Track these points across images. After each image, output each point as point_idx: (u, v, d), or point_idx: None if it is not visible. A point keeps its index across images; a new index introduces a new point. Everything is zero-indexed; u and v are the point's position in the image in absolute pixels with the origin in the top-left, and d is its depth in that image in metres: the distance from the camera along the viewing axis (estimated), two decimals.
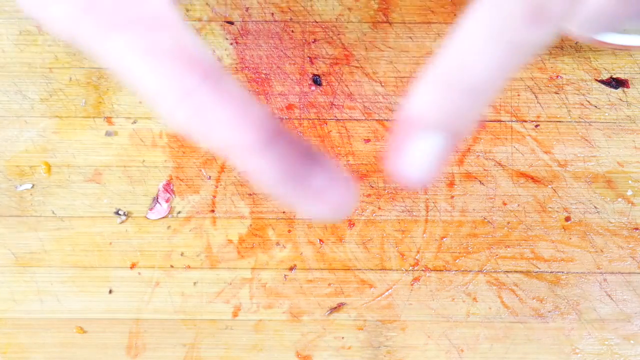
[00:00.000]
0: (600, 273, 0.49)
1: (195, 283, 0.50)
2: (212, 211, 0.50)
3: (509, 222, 0.49)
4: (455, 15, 0.50)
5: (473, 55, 0.21)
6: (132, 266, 0.50)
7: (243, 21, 0.50)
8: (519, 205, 0.49)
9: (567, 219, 0.49)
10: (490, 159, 0.50)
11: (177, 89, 0.22)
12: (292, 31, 0.50)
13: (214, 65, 0.22)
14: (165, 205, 0.50)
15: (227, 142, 0.22)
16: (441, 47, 0.21)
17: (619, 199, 0.49)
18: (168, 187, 0.50)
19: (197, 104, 0.22)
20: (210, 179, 0.50)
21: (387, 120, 0.50)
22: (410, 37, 0.50)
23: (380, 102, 0.50)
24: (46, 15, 0.22)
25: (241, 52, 0.50)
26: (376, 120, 0.50)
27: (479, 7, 0.21)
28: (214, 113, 0.22)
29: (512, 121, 0.49)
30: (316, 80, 0.50)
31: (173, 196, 0.50)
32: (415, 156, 0.21)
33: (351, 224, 0.50)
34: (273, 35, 0.50)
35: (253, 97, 0.23)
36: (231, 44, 0.50)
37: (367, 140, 0.50)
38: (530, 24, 0.20)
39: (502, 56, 0.20)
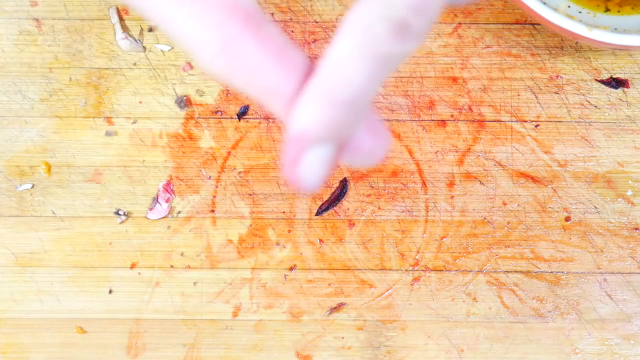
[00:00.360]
0: (600, 273, 0.49)
1: (195, 283, 0.50)
2: (212, 211, 0.50)
3: (509, 222, 0.49)
4: (455, 15, 0.50)
5: (347, 70, 0.22)
6: (132, 266, 0.50)
7: None
8: (519, 205, 0.49)
9: (567, 219, 0.49)
10: (490, 159, 0.50)
11: (218, 35, 0.22)
12: (292, 31, 0.50)
13: (254, 10, 0.22)
14: (165, 205, 0.50)
15: (268, 88, 0.22)
16: (319, 64, 0.22)
17: (619, 199, 0.49)
18: (168, 187, 0.50)
19: (238, 50, 0.22)
20: (210, 179, 0.50)
21: (387, 120, 0.50)
22: None
23: (380, 102, 0.50)
24: None
25: None
26: None
27: (348, 25, 0.22)
28: (255, 59, 0.22)
29: (512, 121, 0.49)
30: None
31: (173, 196, 0.50)
32: (306, 166, 0.23)
33: (351, 224, 0.50)
34: None
35: (292, 43, 0.23)
36: None
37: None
38: (395, 39, 0.22)
39: (373, 69, 0.22)
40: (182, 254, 0.50)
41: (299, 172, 0.23)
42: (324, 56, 0.23)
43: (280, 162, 0.24)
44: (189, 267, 0.50)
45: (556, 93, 0.49)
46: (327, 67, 0.23)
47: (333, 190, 0.50)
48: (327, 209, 0.50)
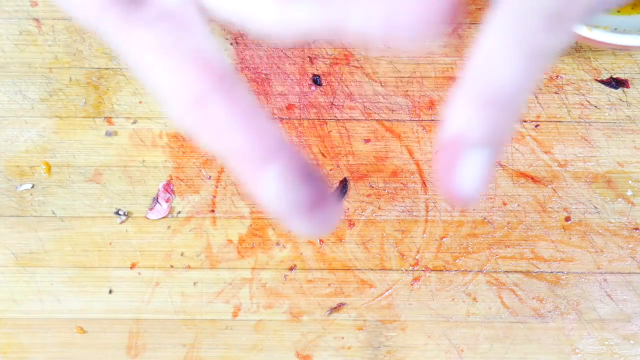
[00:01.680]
0: (600, 273, 0.49)
1: (195, 283, 0.50)
2: (212, 211, 0.50)
3: (509, 222, 0.49)
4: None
5: (501, 66, 0.21)
6: (132, 266, 0.50)
7: None
8: (519, 205, 0.49)
9: (567, 219, 0.49)
10: None
11: (190, 91, 0.22)
12: None
13: (228, 71, 0.22)
14: (165, 205, 0.50)
15: (231, 149, 0.22)
16: (468, 62, 0.21)
17: (619, 199, 0.49)
18: (168, 187, 0.50)
19: (207, 108, 0.22)
20: (210, 179, 0.50)
21: (387, 120, 0.50)
22: None
23: (380, 102, 0.50)
24: (72, 1, 0.22)
25: (241, 52, 0.50)
26: (376, 120, 0.50)
27: (498, 16, 0.21)
28: (223, 120, 0.22)
29: None
30: (316, 80, 0.50)
31: (173, 196, 0.50)
32: (466, 174, 0.22)
33: (351, 224, 0.50)
34: None
35: (262, 108, 0.23)
36: (231, 44, 0.50)
37: (367, 140, 0.50)
38: (550, 29, 0.20)
39: (529, 64, 0.21)
40: (182, 254, 0.50)
41: (457, 181, 0.22)
42: (474, 51, 0.22)
43: (437, 176, 0.23)
44: (189, 267, 0.50)
45: (556, 93, 0.49)
46: (479, 63, 0.21)
47: (333, 190, 0.50)
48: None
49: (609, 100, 0.49)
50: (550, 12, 0.20)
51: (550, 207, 0.49)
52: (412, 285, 0.50)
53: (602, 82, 0.49)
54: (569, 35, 0.21)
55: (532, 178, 0.49)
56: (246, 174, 0.22)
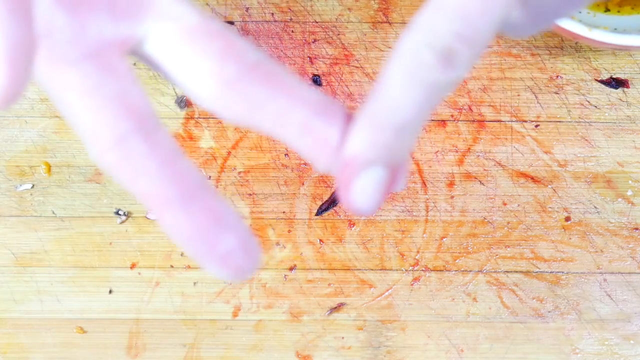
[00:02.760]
0: (600, 273, 0.49)
1: (195, 283, 0.50)
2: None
3: (509, 222, 0.49)
4: None
5: (396, 96, 0.23)
6: (132, 266, 0.50)
7: (243, 21, 0.50)
8: (519, 205, 0.49)
9: (567, 219, 0.49)
10: (490, 159, 0.50)
11: (110, 133, 0.22)
12: (292, 31, 0.50)
13: (150, 115, 0.23)
14: None
15: (147, 192, 0.23)
16: (370, 91, 0.23)
17: (619, 199, 0.49)
18: None
19: (127, 151, 0.22)
20: (210, 179, 0.50)
21: None
22: None
23: None
24: None
25: None
26: None
27: (397, 52, 0.23)
28: (141, 162, 0.22)
29: (512, 121, 0.49)
30: (316, 80, 0.50)
31: None
32: (359, 190, 0.24)
33: (351, 224, 0.50)
34: (273, 35, 0.50)
35: (182, 152, 0.23)
36: None
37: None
38: (442, 67, 0.22)
39: (422, 96, 0.22)
40: (182, 254, 0.50)
41: (352, 196, 0.24)
42: (377, 80, 0.23)
43: (337, 190, 0.24)
44: (189, 267, 0.50)
45: (556, 93, 0.49)
46: (377, 92, 0.23)
47: (333, 190, 0.50)
48: (327, 209, 0.50)
49: (609, 100, 0.49)
50: (442, 50, 0.22)
51: (550, 207, 0.49)
52: (412, 285, 0.50)
53: (602, 82, 0.49)
54: (464, 71, 0.22)
55: (532, 178, 0.49)
56: (162, 217, 0.23)
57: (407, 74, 0.22)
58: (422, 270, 0.50)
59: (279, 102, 0.24)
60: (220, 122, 0.50)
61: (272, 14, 0.50)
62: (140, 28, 0.24)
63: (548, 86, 0.49)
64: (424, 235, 0.50)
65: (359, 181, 0.24)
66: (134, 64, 0.50)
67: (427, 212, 0.50)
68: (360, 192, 0.24)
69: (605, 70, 0.49)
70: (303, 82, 0.24)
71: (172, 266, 0.50)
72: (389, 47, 0.50)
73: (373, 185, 0.24)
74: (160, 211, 0.23)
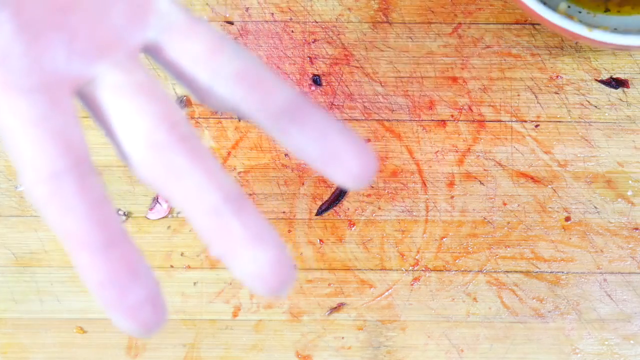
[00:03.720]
0: (600, 273, 0.49)
1: (195, 283, 0.50)
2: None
3: (509, 222, 0.49)
4: (455, 15, 0.50)
5: None
6: None
7: (243, 21, 0.50)
8: (519, 205, 0.49)
9: (567, 219, 0.49)
10: (490, 159, 0.50)
11: (45, 167, 0.23)
12: (292, 31, 0.50)
13: (86, 158, 0.23)
14: (165, 205, 0.50)
15: (70, 232, 0.23)
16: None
17: (619, 199, 0.49)
18: None
19: (56, 187, 0.23)
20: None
21: (387, 120, 0.50)
22: (410, 37, 0.50)
23: (380, 102, 0.50)
24: None
25: None
26: (376, 120, 0.50)
27: None
28: (70, 201, 0.23)
29: (512, 121, 0.49)
30: (316, 80, 0.50)
31: None
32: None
33: (351, 224, 0.50)
34: (273, 35, 0.50)
35: (108, 198, 0.24)
36: None
37: (367, 140, 0.50)
38: None
39: None
40: (182, 254, 0.50)
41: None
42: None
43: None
44: (189, 267, 0.50)
45: (556, 93, 0.49)
46: None
47: (333, 190, 0.50)
48: (327, 209, 0.50)
49: (609, 100, 0.49)
50: None
51: (550, 207, 0.49)
52: (412, 285, 0.50)
53: (602, 82, 0.49)
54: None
55: (532, 178, 0.49)
56: (78, 258, 0.23)
57: None
58: (422, 270, 0.50)
59: (196, 179, 0.24)
60: (220, 122, 0.50)
61: (272, 14, 0.50)
62: (93, 70, 0.24)
63: (548, 86, 0.49)
64: (424, 235, 0.50)
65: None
66: None
67: (427, 212, 0.50)
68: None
69: (605, 70, 0.49)
70: (222, 168, 0.25)
71: (172, 266, 0.50)
72: (389, 47, 0.50)
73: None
74: (78, 252, 0.23)
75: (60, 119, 0.23)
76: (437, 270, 0.50)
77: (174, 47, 0.25)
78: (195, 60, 0.25)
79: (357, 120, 0.50)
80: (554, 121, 0.49)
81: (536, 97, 0.50)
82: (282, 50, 0.50)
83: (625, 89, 0.49)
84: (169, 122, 0.24)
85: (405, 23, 0.50)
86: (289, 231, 0.50)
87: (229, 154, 0.50)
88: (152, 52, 0.25)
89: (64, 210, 0.23)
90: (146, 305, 0.24)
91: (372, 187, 0.50)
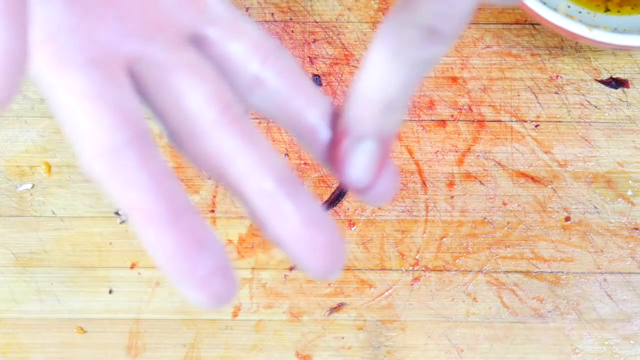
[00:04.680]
0: (600, 273, 0.49)
1: None
2: (212, 211, 0.50)
3: (509, 222, 0.49)
4: None
5: (382, 74, 0.24)
6: (132, 266, 0.50)
7: None
8: (519, 205, 0.49)
9: (567, 219, 0.49)
10: (490, 159, 0.50)
11: (105, 141, 0.22)
12: (292, 31, 0.50)
13: (146, 131, 0.23)
14: None
15: (135, 205, 0.23)
16: (359, 69, 0.25)
17: (619, 199, 0.49)
18: None
19: (119, 161, 0.22)
20: (210, 179, 0.50)
21: None
22: None
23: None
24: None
25: None
26: None
27: (382, 31, 0.24)
28: (133, 175, 0.22)
29: (512, 121, 0.50)
30: (316, 80, 0.50)
31: None
32: (353, 162, 0.25)
33: (351, 224, 0.50)
34: (273, 35, 0.50)
35: (171, 170, 0.23)
36: None
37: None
38: (425, 44, 0.23)
39: (407, 73, 0.24)
40: None
41: (347, 169, 0.25)
42: (364, 59, 0.25)
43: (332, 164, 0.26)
44: None
45: (556, 93, 0.49)
46: (365, 70, 0.24)
47: (333, 190, 0.50)
48: (327, 209, 0.50)
49: (609, 100, 0.49)
50: (425, 28, 0.23)
51: (550, 207, 0.49)
52: (412, 285, 0.50)
53: (602, 82, 0.49)
54: (447, 47, 0.24)
55: (532, 178, 0.49)
56: (145, 232, 0.23)
57: (392, 51, 0.24)
58: (422, 270, 0.50)
59: (249, 160, 0.24)
60: None
61: (272, 14, 0.50)
62: (144, 48, 0.24)
63: (548, 86, 0.49)
64: (424, 235, 0.50)
65: (352, 154, 0.25)
66: None
67: (427, 212, 0.50)
68: (354, 165, 0.25)
69: (605, 70, 0.49)
70: (275, 150, 0.25)
71: None
72: None
73: (366, 158, 0.25)
74: (145, 226, 0.23)
75: (116, 93, 0.23)
76: (437, 270, 0.50)
77: (219, 41, 0.25)
78: (241, 56, 0.25)
79: None
80: (554, 121, 0.49)
81: (536, 97, 0.50)
82: None
83: (625, 89, 0.49)
84: (221, 103, 0.24)
85: None
86: None
87: None
88: (197, 45, 0.25)
89: (127, 184, 0.22)
90: (216, 277, 0.23)
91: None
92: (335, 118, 0.26)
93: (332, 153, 0.25)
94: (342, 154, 0.25)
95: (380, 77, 0.24)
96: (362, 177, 0.25)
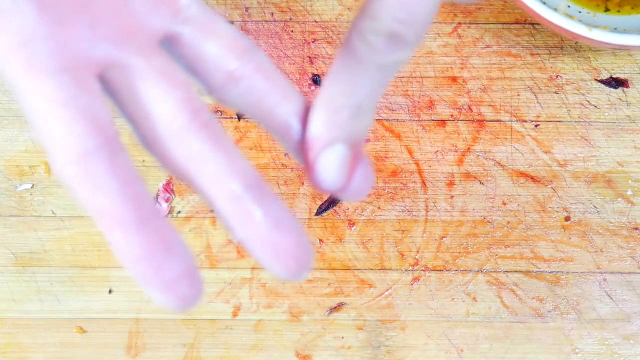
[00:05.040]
0: (600, 273, 0.49)
1: None
2: (212, 211, 0.50)
3: (509, 222, 0.49)
4: (455, 15, 0.50)
5: (350, 80, 0.25)
6: None
7: (243, 21, 0.50)
8: (519, 205, 0.49)
9: (567, 219, 0.49)
10: (490, 159, 0.50)
11: (76, 147, 0.23)
12: (292, 31, 0.50)
13: (116, 136, 0.24)
14: (165, 205, 0.50)
15: (103, 209, 0.23)
16: (327, 75, 0.25)
17: (619, 199, 0.49)
18: (168, 187, 0.50)
19: (89, 167, 0.23)
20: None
21: (387, 120, 0.50)
22: None
23: (380, 102, 0.50)
24: None
25: None
26: (376, 120, 0.50)
27: (347, 38, 0.25)
28: (102, 179, 0.23)
29: (512, 121, 0.50)
30: (316, 80, 0.50)
31: (173, 196, 0.50)
32: (323, 167, 0.26)
33: (351, 224, 0.50)
34: (273, 35, 0.50)
35: (139, 176, 0.24)
36: None
37: (367, 140, 0.50)
38: (387, 50, 0.24)
39: (374, 78, 0.25)
40: None
41: (318, 174, 0.26)
42: (332, 65, 0.25)
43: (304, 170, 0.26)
44: None
45: (556, 93, 0.49)
46: (332, 77, 0.25)
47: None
48: (327, 209, 0.50)
49: (609, 100, 0.49)
50: (387, 35, 0.24)
51: (550, 207, 0.49)
52: (412, 285, 0.50)
53: (602, 82, 0.49)
54: (409, 51, 0.24)
55: (532, 178, 0.49)
56: (114, 236, 0.23)
57: (357, 58, 0.24)
58: (422, 270, 0.50)
59: (218, 165, 0.25)
60: (221, 122, 0.50)
61: (272, 14, 0.50)
62: (116, 54, 0.24)
63: (548, 86, 0.49)
64: (424, 235, 0.50)
65: (323, 159, 0.25)
66: None
67: (427, 212, 0.50)
68: (325, 169, 0.26)
69: (605, 70, 0.49)
70: (243, 156, 0.25)
71: None
72: None
73: (337, 162, 0.26)
74: (113, 229, 0.23)
75: (87, 99, 0.23)
76: (437, 270, 0.50)
77: (194, 41, 0.26)
78: (214, 55, 0.26)
79: None
80: (554, 121, 0.49)
81: (536, 97, 0.50)
82: (282, 50, 0.50)
83: (625, 89, 0.49)
84: (191, 108, 0.25)
85: None
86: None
87: None
88: (171, 44, 0.26)
89: (96, 189, 0.23)
90: (183, 280, 0.24)
91: (372, 187, 0.50)
92: (309, 115, 0.26)
93: (304, 156, 0.26)
94: (313, 159, 0.26)
95: (347, 83, 0.25)
96: (334, 181, 0.26)
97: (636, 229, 0.49)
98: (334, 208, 0.50)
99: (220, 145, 0.25)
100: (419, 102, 0.50)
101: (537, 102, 0.50)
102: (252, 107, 0.26)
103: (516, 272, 0.49)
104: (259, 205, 0.24)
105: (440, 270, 0.50)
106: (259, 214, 0.24)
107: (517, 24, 0.50)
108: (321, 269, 0.50)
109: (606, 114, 0.49)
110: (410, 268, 0.50)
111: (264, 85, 0.26)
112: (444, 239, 0.50)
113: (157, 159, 0.25)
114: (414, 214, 0.50)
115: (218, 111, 0.50)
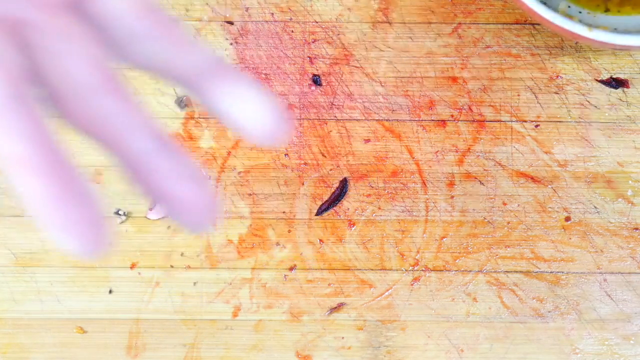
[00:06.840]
0: (600, 273, 0.49)
1: (195, 283, 0.50)
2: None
3: (509, 222, 0.49)
4: (455, 15, 0.50)
5: None
6: (132, 266, 0.50)
7: (243, 21, 0.50)
8: (519, 205, 0.49)
9: (567, 219, 0.49)
10: (490, 159, 0.50)
11: None
12: (292, 31, 0.50)
13: (27, 91, 0.24)
14: None
15: (13, 154, 0.23)
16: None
17: (619, 199, 0.49)
18: None
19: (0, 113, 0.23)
20: (210, 179, 0.50)
21: (387, 120, 0.50)
22: (410, 37, 0.50)
23: (380, 102, 0.50)
24: None
25: (241, 52, 0.50)
26: (376, 120, 0.50)
27: None
28: (12, 126, 0.24)
29: (512, 121, 0.49)
30: (316, 80, 0.50)
31: None
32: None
33: (351, 224, 0.50)
34: (273, 35, 0.50)
35: (50, 125, 0.25)
36: (231, 44, 0.50)
37: (367, 140, 0.50)
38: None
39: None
40: (182, 254, 0.50)
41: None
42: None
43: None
44: (189, 267, 0.50)
45: (556, 93, 0.49)
46: None
47: (333, 190, 0.50)
48: (327, 209, 0.50)
49: (609, 100, 0.49)
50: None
51: (550, 207, 0.49)
52: (412, 285, 0.50)
53: (602, 82, 0.49)
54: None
55: (532, 178, 0.49)
56: (20, 180, 0.24)
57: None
58: (422, 270, 0.50)
59: (129, 121, 0.25)
60: (221, 122, 0.50)
61: (272, 14, 0.50)
62: (30, 13, 0.25)
63: (548, 86, 0.49)
64: (424, 235, 0.50)
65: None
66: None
67: (427, 212, 0.50)
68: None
69: (605, 70, 0.49)
70: (149, 112, 0.26)
71: (172, 266, 0.50)
72: (389, 47, 0.50)
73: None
74: (21, 173, 0.24)
75: (1, 52, 0.24)
76: (437, 270, 0.50)
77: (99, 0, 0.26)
78: (116, 13, 0.26)
79: (357, 120, 0.50)
80: (554, 121, 0.49)
81: (536, 97, 0.50)
82: (282, 50, 0.50)
83: (625, 89, 0.49)
84: (104, 66, 0.25)
85: (405, 23, 0.50)
86: (289, 231, 0.50)
87: (229, 154, 0.50)
88: (80, 5, 0.26)
89: (6, 134, 0.23)
90: (89, 224, 0.24)
91: (372, 187, 0.50)
92: (216, 64, 0.26)
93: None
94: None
95: None
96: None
97: (636, 229, 0.49)
98: (334, 208, 0.50)
99: (131, 104, 0.25)
100: (419, 102, 0.50)
101: (537, 102, 0.50)
102: (157, 63, 0.27)
103: (516, 272, 0.49)
104: (168, 157, 0.26)
105: (440, 270, 0.50)
106: (167, 166, 0.25)
107: (517, 24, 0.50)
108: (321, 269, 0.50)
109: (606, 114, 0.49)
110: (410, 268, 0.50)
111: (166, 39, 0.26)
112: (444, 239, 0.50)
113: (69, 119, 0.26)
114: (414, 214, 0.50)
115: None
